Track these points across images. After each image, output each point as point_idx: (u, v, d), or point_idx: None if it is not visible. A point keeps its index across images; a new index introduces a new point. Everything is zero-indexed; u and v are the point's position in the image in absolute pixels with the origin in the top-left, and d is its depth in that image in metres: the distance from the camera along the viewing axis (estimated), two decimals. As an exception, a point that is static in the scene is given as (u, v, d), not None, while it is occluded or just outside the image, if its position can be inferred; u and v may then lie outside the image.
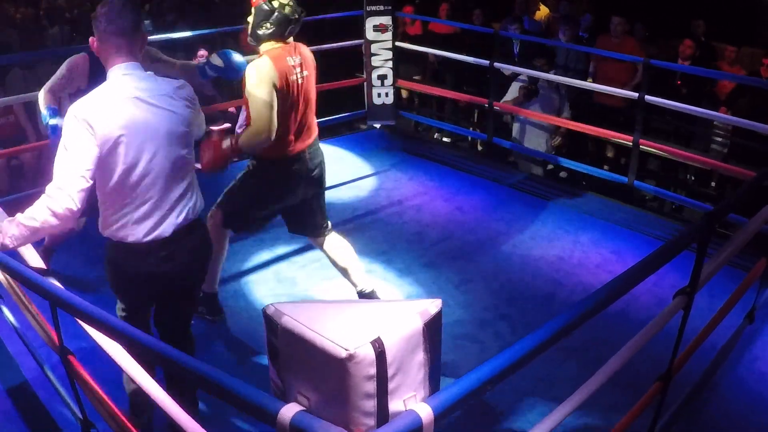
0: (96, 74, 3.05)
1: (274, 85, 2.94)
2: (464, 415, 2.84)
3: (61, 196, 2.07)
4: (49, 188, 2.10)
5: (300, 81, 3.07)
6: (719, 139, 5.84)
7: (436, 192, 5.15)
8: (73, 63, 3.33)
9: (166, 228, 2.26)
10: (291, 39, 3.12)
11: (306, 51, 3.20)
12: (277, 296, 3.76)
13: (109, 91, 2.19)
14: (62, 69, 3.32)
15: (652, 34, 6.96)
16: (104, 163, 2.14)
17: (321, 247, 3.44)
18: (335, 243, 3.43)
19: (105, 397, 2.21)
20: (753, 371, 3.19)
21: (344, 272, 3.44)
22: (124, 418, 2.16)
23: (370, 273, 3.90)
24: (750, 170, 4.49)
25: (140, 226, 2.23)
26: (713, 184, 6.08)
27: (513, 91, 6.08)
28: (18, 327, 2.98)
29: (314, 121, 3.26)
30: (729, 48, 6.29)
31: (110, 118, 2.13)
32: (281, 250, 4.22)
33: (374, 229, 4.53)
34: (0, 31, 8.02)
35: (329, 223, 3.43)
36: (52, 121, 3.13)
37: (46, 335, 2.41)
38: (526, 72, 5.91)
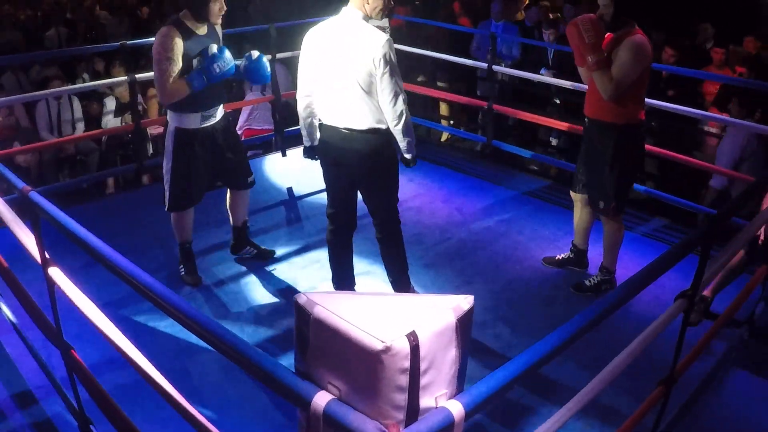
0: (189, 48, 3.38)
1: None
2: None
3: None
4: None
5: None
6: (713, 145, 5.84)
7: (435, 193, 5.16)
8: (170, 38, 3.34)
9: None
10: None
11: None
12: (277, 297, 3.77)
13: None
14: (167, 56, 3.31)
15: (654, 36, 6.96)
16: None
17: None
18: None
19: (104, 392, 2.22)
20: (753, 376, 3.20)
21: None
22: (123, 414, 2.17)
23: (370, 274, 3.91)
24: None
25: None
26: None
27: None
28: (17, 324, 2.99)
29: None
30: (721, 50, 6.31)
31: None
32: (281, 250, 4.22)
33: (374, 230, 4.53)
34: (4, 31, 8.04)
35: None
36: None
37: (46, 331, 2.42)
38: (524, 75, 5.91)
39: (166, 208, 3.69)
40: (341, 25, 3.15)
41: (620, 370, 2.09)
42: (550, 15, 7.57)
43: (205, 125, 3.57)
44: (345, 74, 3.11)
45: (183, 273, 3.87)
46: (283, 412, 2.88)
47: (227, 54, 3.44)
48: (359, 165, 3.26)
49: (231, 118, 3.74)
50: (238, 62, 3.56)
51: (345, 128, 3.20)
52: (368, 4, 3.12)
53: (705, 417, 2.94)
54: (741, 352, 3.32)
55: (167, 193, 3.64)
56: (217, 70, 3.37)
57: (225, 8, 3.45)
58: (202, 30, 3.47)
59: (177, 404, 1.87)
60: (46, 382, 2.80)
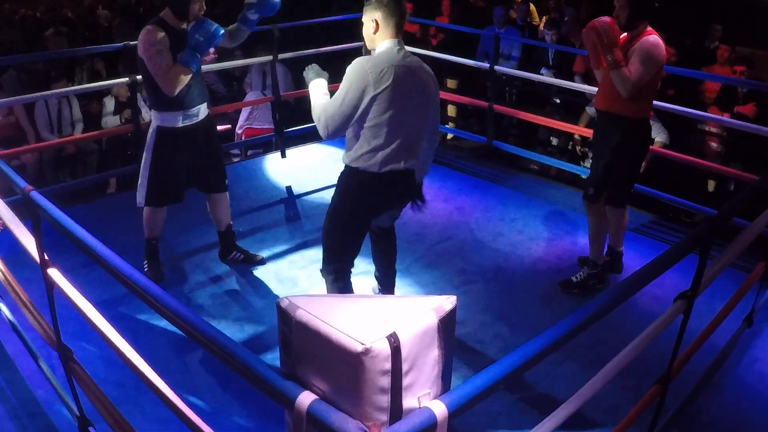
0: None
1: None
2: (462, 415, 2.84)
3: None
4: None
5: None
6: (714, 145, 5.84)
7: (436, 192, 5.16)
8: (158, 37, 3.39)
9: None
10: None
11: None
12: (278, 296, 3.77)
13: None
14: (157, 49, 3.37)
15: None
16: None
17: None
18: None
19: (103, 394, 2.22)
20: (752, 373, 3.20)
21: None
22: (121, 415, 2.17)
23: (370, 274, 3.91)
24: (741, 169, 4.52)
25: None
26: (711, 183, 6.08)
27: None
28: (17, 325, 2.99)
29: None
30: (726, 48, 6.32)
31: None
32: (281, 250, 4.22)
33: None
34: (5, 32, 8.03)
35: None
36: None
37: (45, 333, 2.42)
38: (525, 75, 5.91)
39: (140, 202, 3.73)
40: (405, 59, 2.86)
41: (618, 370, 2.09)
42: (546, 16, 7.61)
43: (186, 124, 3.59)
44: (420, 111, 2.92)
45: (146, 269, 3.86)
46: (282, 409, 2.88)
47: (207, 21, 3.42)
48: (404, 204, 3.32)
49: (215, 119, 3.73)
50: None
51: (409, 169, 2.98)
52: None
53: (703, 414, 2.94)
54: (739, 349, 3.32)
55: (144, 188, 3.69)
56: (202, 39, 3.37)
57: (205, 8, 3.48)
58: (185, 26, 3.49)
59: (173, 405, 1.87)
60: (46, 382, 2.80)
